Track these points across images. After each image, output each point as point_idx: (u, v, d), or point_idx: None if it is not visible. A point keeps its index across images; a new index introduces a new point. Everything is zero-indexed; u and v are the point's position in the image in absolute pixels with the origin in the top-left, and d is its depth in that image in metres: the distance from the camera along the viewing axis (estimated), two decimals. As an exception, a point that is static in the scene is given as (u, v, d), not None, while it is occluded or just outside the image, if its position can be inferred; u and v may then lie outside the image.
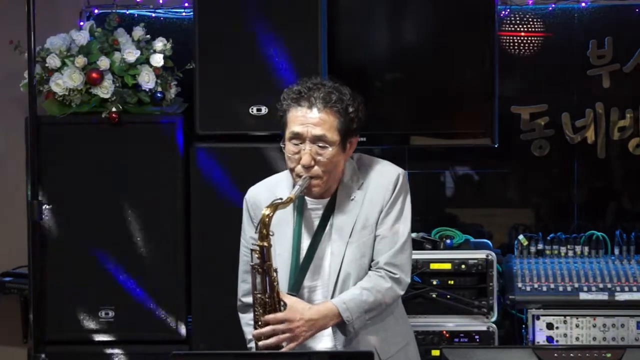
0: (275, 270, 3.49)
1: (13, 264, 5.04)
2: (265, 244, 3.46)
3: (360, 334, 3.57)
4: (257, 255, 3.47)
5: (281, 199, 3.49)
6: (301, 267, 3.58)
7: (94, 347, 4.63)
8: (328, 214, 3.61)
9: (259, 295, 3.50)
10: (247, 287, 3.68)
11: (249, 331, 3.67)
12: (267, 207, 3.47)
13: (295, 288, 3.56)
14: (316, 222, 3.61)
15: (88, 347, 4.63)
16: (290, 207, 3.58)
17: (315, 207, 3.62)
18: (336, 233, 3.59)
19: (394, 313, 3.69)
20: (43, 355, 4.54)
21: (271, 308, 3.49)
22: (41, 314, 4.58)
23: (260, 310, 3.50)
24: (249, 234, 3.68)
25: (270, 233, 3.47)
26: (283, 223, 3.59)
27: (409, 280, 3.64)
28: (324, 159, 3.52)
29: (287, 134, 3.55)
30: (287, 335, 3.47)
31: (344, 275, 3.57)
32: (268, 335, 3.48)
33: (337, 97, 3.54)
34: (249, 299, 3.67)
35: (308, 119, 3.51)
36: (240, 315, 3.73)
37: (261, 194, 3.67)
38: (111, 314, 4.62)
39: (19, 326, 4.99)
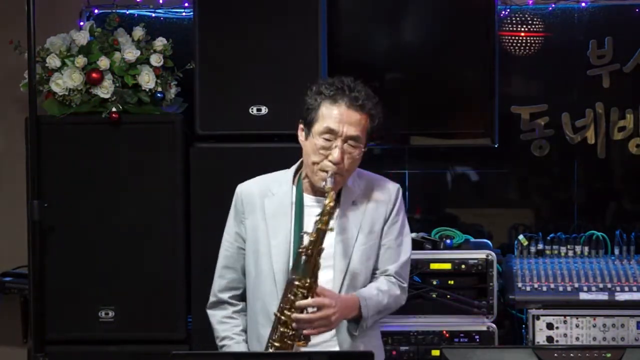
0: (322, 258, 3.51)
1: (13, 264, 5.04)
2: (328, 228, 3.47)
3: (365, 337, 3.62)
4: (312, 238, 3.46)
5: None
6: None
7: (94, 347, 4.63)
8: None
9: (296, 280, 3.47)
10: (223, 282, 3.75)
11: (221, 329, 3.71)
12: (328, 196, 3.48)
13: None
14: (314, 219, 3.62)
15: (88, 347, 4.63)
16: (288, 202, 3.64)
17: (315, 205, 3.65)
18: (340, 235, 3.62)
19: (379, 327, 3.80)
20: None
21: (309, 295, 3.48)
22: (41, 314, 4.58)
23: (295, 296, 3.48)
24: (234, 229, 3.72)
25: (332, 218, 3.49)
26: (280, 216, 3.63)
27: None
28: (352, 158, 3.58)
29: (319, 128, 3.57)
30: (323, 322, 3.48)
31: (352, 275, 3.62)
32: (305, 321, 3.47)
33: (373, 100, 3.63)
34: (224, 295, 3.73)
35: (345, 117, 3.56)
36: (211, 312, 3.76)
37: (252, 189, 3.73)
38: (111, 314, 4.62)
39: (19, 326, 4.98)
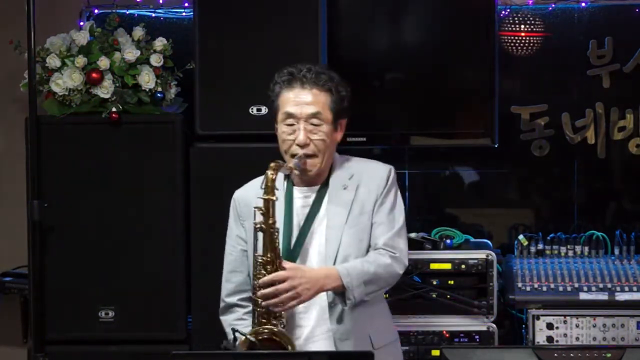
0: (277, 231, 3.52)
1: (13, 264, 5.03)
2: (272, 197, 3.50)
3: (355, 319, 3.60)
4: (261, 212, 3.50)
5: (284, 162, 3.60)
6: (292, 252, 3.62)
7: (94, 347, 4.63)
8: (319, 201, 3.66)
9: (260, 257, 3.51)
10: (231, 286, 3.74)
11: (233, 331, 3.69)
12: (270, 168, 3.53)
13: None
14: (306, 209, 3.66)
15: (88, 347, 4.63)
16: (280, 195, 3.63)
17: (305, 195, 3.67)
18: (330, 220, 3.64)
19: (385, 311, 3.79)
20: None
21: (273, 269, 3.50)
22: (41, 314, 4.58)
23: (260, 273, 3.51)
24: (235, 233, 3.73)
25: (276, 188, 3.52)
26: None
27: (406, 262, 3.71)
28: (318, 137, 3.60)
29: (280, 116, 3.64)
30: (290, 293, 3.48)
31: (343, 259, 3.61)
32: (271, 296, 3.49)
33: (327, 76, 3.64)
34: (232, 299, 3.73)
35: (302, 99, 3.61)
36: (223, 317, 3.76)
37: (249, 192, 3.73)
38: (111, 314, 4.62)
39: (19, 326, 4.98)
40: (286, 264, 3.53)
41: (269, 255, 3.51)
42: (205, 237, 4.58)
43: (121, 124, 4.61)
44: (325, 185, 3.69)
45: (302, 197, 3.67)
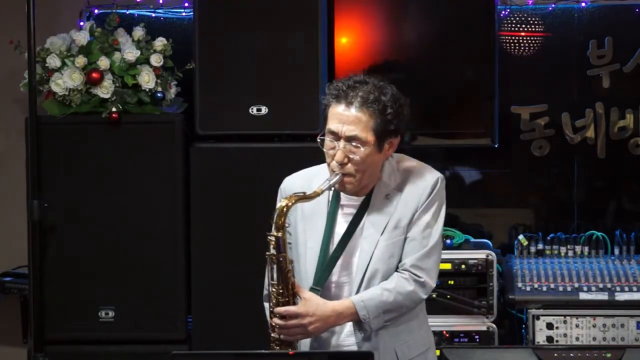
0: (291, 262, 3.47)
1: (13, 264, 5.04)
2: (280, 234, 3.44)
3: (381, 335, 3.55)
4: (272, 245, 3.45)
5: (304, 192, 3.48)
6: (328, 263, 3.54)
7: (94, 347, 4.63)
8: (362, 211, 3.57)
9: (274, 284, 3.48)
10: None
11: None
12: (287, 197, 3.45)
13: (320, 283, 3.52)
14: (349, 219, 3.57)
15: (88, 347, 4.63)
16: (324, 201, 3.56)
17: (350, 204, 3.58)
18: (368, 230, 3.56)
19: (419, 317, 3.68)
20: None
21: (285, 300, 3.46)
22: (41, 314, 4.58)
23: (274, 301, 3.48)
24: None
25: (287, 224, 3.46)
26: (316, 216, 3.56)
27: (434, 284, 3.59)
28: (356, 158, 3.49)
29: (326, 130, 3.54)
30: (298, 330, 3.45)
31: (371, 273, 3.54)
32: (280, 328, 3.47)
33: (376, 97, 3.50)
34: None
35: (344, 117, 3.49)
36: (266, 304, 3.68)
37: (296, 184, 3.64)
38: (111, 314, 4.62)
39: (19, 326, 4.98)
40: (303, 293, 3.47)
41: (281, 287, 3.46)
42: (205, 237, 4.58)
43: (121, 124, 4.61)
44: (370, 194, 3.58)
45: (347, 205, 3.58)
